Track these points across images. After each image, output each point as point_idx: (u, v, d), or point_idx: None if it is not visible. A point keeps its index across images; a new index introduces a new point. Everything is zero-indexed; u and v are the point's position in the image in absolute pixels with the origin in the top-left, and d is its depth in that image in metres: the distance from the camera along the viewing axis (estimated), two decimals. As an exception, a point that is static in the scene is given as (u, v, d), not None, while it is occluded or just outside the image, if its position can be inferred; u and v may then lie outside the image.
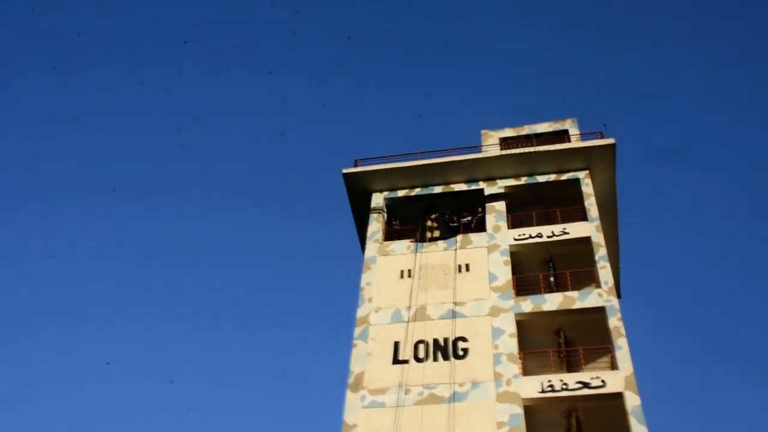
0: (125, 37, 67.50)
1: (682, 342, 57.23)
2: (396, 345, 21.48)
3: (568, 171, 25.26)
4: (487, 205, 25.01)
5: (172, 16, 68.77)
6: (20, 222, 65.24)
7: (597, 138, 25.06)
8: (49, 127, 66.50)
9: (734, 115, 64.22)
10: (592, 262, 22.41)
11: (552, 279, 22.80)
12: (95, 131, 67.37)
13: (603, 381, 19.08)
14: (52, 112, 66.58)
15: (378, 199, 26.26)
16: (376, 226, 25.44)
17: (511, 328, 21.06)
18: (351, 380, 20.87)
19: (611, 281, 21.54)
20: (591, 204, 24.01)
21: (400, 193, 26.37)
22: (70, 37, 67.42)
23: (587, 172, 25.03)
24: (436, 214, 25.49)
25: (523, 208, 25.28)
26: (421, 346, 21.29)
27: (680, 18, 66.36)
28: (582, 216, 23.81)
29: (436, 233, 24.82)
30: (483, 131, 28.04)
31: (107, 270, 64.63)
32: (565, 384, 19.32)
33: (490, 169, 25.61)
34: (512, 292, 22.01)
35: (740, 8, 63.53)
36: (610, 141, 24.65)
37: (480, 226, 24.62)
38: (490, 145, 26.98)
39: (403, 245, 24.52)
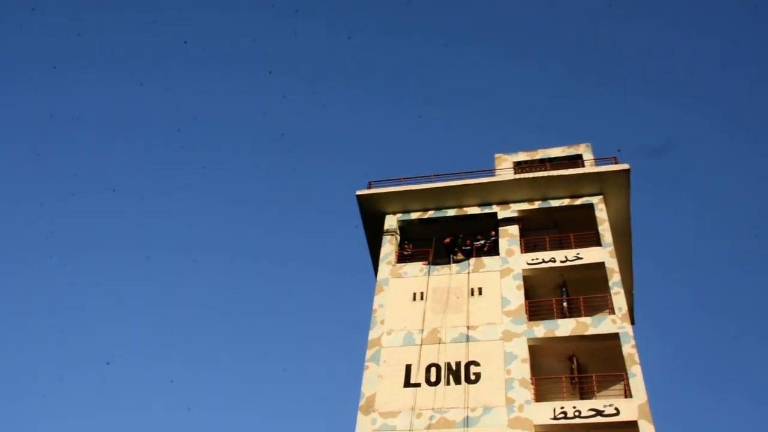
0: (125, 37, 67.87)
1: (696, 369, 56.74)
2: (408, 368, 21.42)
3: (581, 196, 25.26)
4: (500, 228, 25.01)
5: (172, 16, 69.10)
6: (20, 222, 65.63)
7: (611, 163, 25.10)
8: (49, 127, 66.92)
9: (754, 143, 64.13)
10: (605, 288, 22.33)
11: (565, 304, 22.76)
12: (95, 131, 67.87)
13: (617, 409, 18.95)
14: (52, 112, 66.97)
15: (391, 221, 26.26)
16: (389, 248, 25.43)
17: (524, 353, 20.98)
18: (362, 402, 20.80)
19: (625, 307, 21.45)
20: (605, 229, 23.96)
21: (414, 215, 26.38)
22: (70, 37, 67.89)
23: (601, 197, 25.02)
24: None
25: (537, 232, 25.25)
26: (433, 370, 21.22)
27: (690, 45, 66.51)
28: (596, 241, 23.76)
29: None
30: (497, 155, 28.09)
31: (107, 270, 65.09)
32: (578, 411, 19.19)
33: (503, 192, 25.65)
34: (525, 316, 21.95)
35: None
36: (625, 167, 24.67)
37: (493, 250, 24.59)
38: (504, 169, 27.02)
39: (416, 268, 24.50)
